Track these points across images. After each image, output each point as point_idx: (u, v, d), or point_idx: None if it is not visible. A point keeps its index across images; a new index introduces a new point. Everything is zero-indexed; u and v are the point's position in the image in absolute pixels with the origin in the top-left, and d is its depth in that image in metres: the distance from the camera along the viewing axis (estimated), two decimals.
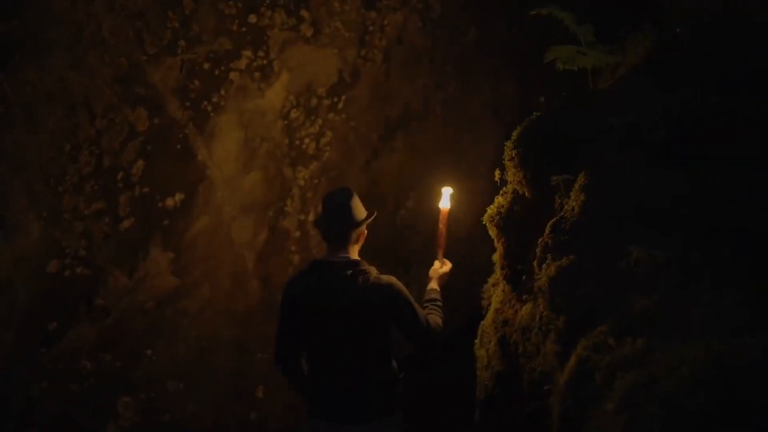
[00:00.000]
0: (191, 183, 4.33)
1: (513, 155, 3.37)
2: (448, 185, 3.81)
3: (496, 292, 3.83)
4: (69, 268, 3.95)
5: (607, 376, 2.00)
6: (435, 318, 3.29)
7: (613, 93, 3.60)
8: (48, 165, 3.82)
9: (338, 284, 3.05)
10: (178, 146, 4.24)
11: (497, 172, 3.62)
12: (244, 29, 4.40)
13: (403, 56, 5.17)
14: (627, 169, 3.02)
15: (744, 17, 3.54)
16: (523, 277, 3.42)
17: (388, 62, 5.10)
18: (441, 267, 3.64)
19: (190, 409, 4.50)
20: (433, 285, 3.55)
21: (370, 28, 4.95)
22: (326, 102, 4.88)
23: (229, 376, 4.67)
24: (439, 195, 3.77)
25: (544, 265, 2.82)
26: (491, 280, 3.97)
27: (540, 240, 2.98)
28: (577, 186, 2.95)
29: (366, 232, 3.27)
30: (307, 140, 4.86)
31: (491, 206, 3.59)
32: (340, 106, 4.95)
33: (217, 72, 4.32)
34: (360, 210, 3.18)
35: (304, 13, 4.62)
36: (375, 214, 3.25)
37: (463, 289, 5.33)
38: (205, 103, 4.31)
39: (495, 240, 3.65)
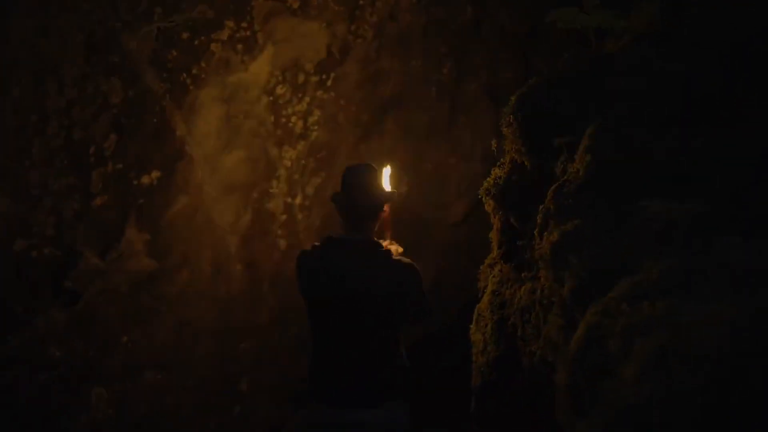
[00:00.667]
0: (169, 160, 4.02)
1: (511, 121, 3.06)
2: (387, 165, 3.46)
3: (493, 272, 3.51)
4: (36, 248, 3.64)
5: (624, 341, 1.68)
6: None
7: (619, 58, 3.31)
8: (13, 136, 3.50)
9: (351, 263, 2.86)
10: (155, 120, 3.93)
11: (493, 142, 3.31)
12: None
13: (396, 33, 4.85)
14: (635, 131, 2.71)
15: None
16: (523, 254, 3.11)
17: (380, 39, 4.79)
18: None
19: (169, 401, 4.17)
20: None
21: (361, 2, 4.63)
22: (314, 79, 4.57)
23: (211, 367, 4.34)
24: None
25: (545, 233, 2.52)
26: (487, 261, 3.66)
27: (541, 207, 2.68)
28: (582, 147, 2.63)
29: (388, 214, 3.11)
30: (294, 118, 4.54)
31: (488, 179, 3.28)
32: (329, 83, 4.63)
33: (196, 42, 4.02)
34: (381, 189, 3.03)
35: None
36: (395, 195, 3.10)
37: (460, 275, 5.02)
38: (184, 75, 4.00)
39: (491, 215, 3.34)
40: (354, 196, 2.93)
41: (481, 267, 3.79)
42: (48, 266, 3.68)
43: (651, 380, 1.40)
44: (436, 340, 5.07)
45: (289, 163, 4.56)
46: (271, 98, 4.41)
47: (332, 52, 4.59)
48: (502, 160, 3.30)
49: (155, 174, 3.96)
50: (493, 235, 3.40)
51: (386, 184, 3.36)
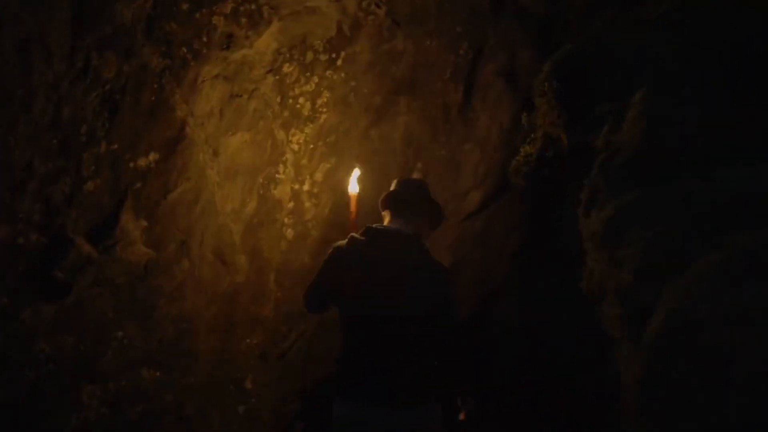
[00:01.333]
0: (168, 141, 3.64)
1: (545, 90, 2.69)
2: (356, 166, 3.53)
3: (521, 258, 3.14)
4: (22, 234, 3.26)
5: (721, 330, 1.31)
6: None
7: (661, 23, 2.93)
8: None
9: (401, 253, 2.74)
10: (153, 98, 3.55)
11: (524, 116, 2.95)
12: None
13: (410, 12, 4.46)
14: (692, 98, 2.34)
15: None
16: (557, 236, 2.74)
17: (392, 17, 4.41)
18: None
19: (168, 400, 3.80)
20: None
21: None
22: (323, 57, 4.19)
23: (213, 364, 3.97)
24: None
25: (593, 211, 2.14)
26: (511, 251, 3.30)
27: (585, 183, 2.31)
28: (633, 113, 2.26)
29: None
30: (301, 99, 4.17)
31: (517, 157, 2.92)
32: (339, 63, 4.26)
33: (198, 15, 3.64)
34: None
35: None
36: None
37: (475, 268, 4.64)
38: (185, 50, 3.63)
39: (519, 198, 2.97)
40: (407, 193, 2.89)
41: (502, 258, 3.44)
42: (35, 255, 3.31)
43: None
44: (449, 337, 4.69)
45: (296, 147, 4.18)
46: (277, 77, 4.04)
47: (342, 29, 4.21)
48: (533, 135, 2.94)
49: (153, 156, 3.59)
50: (520, 222, 3.04)
51: (354, 187, 3.33)
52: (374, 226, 2.83)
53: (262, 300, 4.12)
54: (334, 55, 4.22)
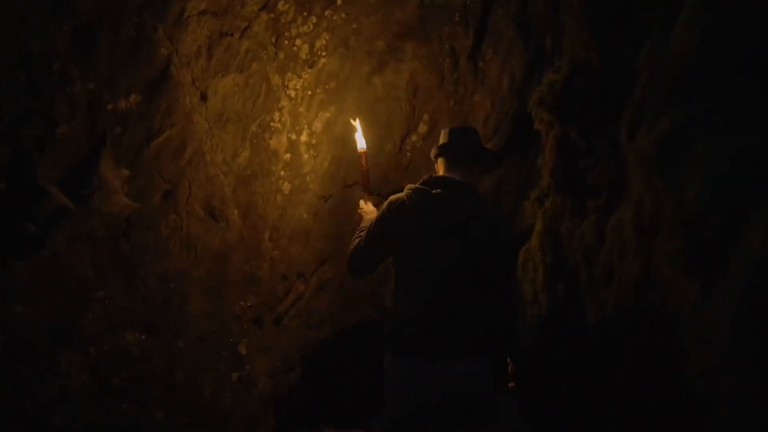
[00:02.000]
0: (151, 82, 3.25)
1: (574, 5, 2.30)
2: (357, 119, 3.49)
3: (543, 207, 2.77)
4: None
5: None
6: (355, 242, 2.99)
7: None
8: None
9: (464, 202, 2.75)
10: (133, 33, 3.16)
11: (548, 41, 2.56)
12: None
13: None
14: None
15: None
16: (587, 178, 2.36)
17: None
18: (366, 205, 3.28)
19: (155, 366, 3.45)
20: (364, 224, 3.09)
21: None
22: None
23: (204, 328, 3.62)
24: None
25: (640, 131, 1.77)
26: (533, 195, 2.93)
27: (626, 106, 1.93)
28: (685, 19, 1.88)
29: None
30: (298, 41, 3.78)
31: (540, 87, 2.54)
32: (339, 2, 3.86)
33: None
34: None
35: None
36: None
37: None
38: None
39: (544, 134, 2.60)
40: (461, 142, 2.90)
41: (525, 203, 3.07)
42: (4, 205, 2.94)
43: None
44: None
45: (293, 93, 3.80)
46: (272, 16, 3.64)
47: None
48: (558, 62, 2.56)
49: (134, 98, 3.20)
50: (545, 160, 2.66)
51: (361, 144, 3.36)
52: (434, 176, 2.86)
53: (256, 259, 3.76)
54: None
